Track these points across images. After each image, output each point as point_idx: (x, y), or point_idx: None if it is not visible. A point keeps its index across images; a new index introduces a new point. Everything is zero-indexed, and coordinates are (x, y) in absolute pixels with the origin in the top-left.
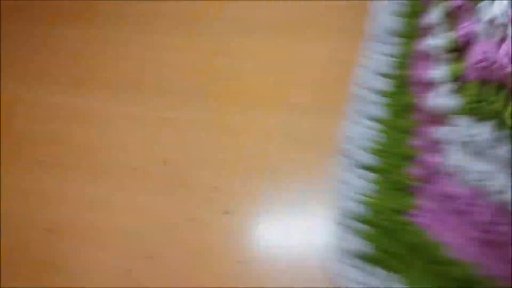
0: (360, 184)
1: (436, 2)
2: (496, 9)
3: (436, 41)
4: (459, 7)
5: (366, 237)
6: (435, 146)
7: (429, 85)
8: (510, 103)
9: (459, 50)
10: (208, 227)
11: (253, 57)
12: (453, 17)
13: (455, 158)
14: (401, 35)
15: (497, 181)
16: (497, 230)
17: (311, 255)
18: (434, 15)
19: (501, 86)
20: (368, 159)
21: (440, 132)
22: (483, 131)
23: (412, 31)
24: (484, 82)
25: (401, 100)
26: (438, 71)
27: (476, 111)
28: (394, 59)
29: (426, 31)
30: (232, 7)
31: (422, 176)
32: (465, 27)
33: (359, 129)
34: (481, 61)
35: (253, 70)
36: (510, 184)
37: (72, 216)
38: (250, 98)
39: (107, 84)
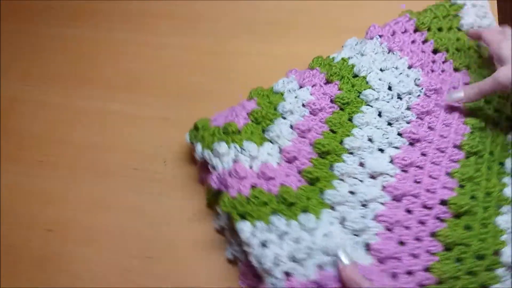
0: None
1: None
2: None
3: None
4: None
5: None
6: None
7: None
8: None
9: None
10: (207, 227)
11: (253, 56)
12: None
13: None
14: None
15: None
16: None
17: None
18: None
19: None
20: None
21: None
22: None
23: None
24: None
25: None
26: None
27: None
28: None
29: None
30: (232, 7)
31: None
32: None
33: None
34: None
35: (254, 70)
36: None
37: (72, 216)
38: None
39: (107, 84)
